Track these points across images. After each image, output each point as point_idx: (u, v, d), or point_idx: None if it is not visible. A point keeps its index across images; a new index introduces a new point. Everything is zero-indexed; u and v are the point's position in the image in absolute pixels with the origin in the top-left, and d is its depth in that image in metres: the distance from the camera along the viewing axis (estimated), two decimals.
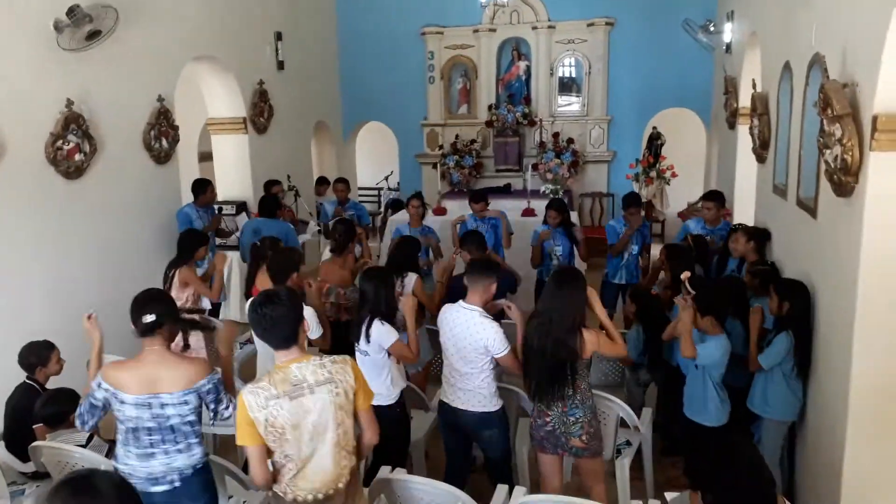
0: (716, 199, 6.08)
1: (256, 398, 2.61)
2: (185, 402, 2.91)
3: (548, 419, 3.59)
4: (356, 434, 2.83)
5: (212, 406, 3.01)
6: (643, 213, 6.66)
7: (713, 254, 5.67)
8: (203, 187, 6.80)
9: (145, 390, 2.88)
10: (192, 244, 5.30)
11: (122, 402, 2.91)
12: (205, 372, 2.96)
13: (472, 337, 3.67)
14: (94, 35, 5.32)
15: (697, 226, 6.11)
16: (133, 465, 2.96)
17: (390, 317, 3.94)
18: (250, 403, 2.61)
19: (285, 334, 2.69)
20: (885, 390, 3.25)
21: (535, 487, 4.03)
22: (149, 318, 2.90)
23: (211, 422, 3.12)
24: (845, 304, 3.34)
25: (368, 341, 3.86)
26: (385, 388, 3.91)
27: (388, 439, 3.98)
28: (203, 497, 3.06)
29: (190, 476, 3.00)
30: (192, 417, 2.96)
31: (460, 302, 3.79)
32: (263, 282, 4.62)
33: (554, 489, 3.69)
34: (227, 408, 3.02)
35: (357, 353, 3.91)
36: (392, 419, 3.90)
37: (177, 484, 2.97)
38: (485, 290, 3.75)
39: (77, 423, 3.07)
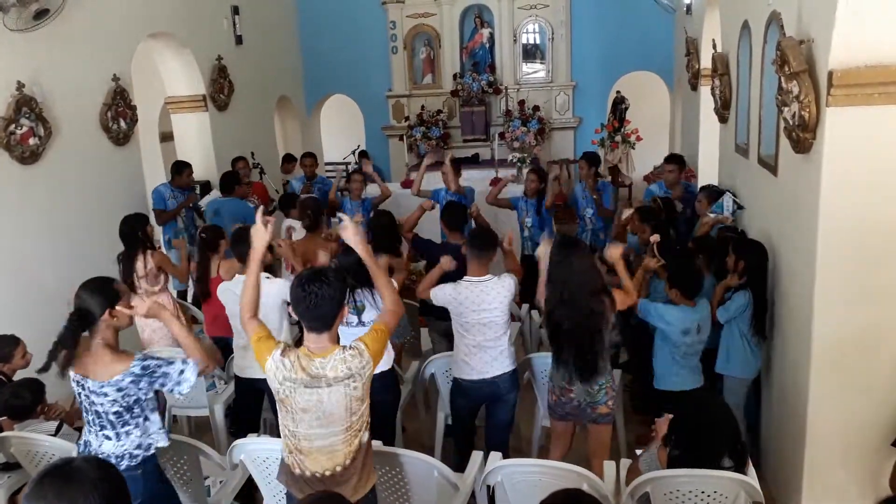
0: (677, 161, 6.15)
1: (276, 370, 2.65)
2: (105, 394, 2.80)
3: (572, 395, 3.58)
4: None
5: (159, 389, 2.89)
6: (595, 170, 6.61)
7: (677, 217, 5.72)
8: (180, 170, 6.82)
9: (79, 370, 2.84)
10: (135, 229, 5.07)
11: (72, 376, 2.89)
12: (124, 367, 2.79)
13: (500, 302, 3.72)
14: (41, 14, 5.14)
15: (660, 189, 6.17)
16: (86, 438, 2.96)
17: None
18: (270, 368, 2.67)
19: (325, 316, 2.63)
20: (846, 343, 3.34)
21: (514, 453, 4.09)
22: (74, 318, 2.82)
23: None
24: (806, 258, 3.41)
25: (379, 310, 3.82)
26: (386, 353, 3.89)
27: (381, 407, 4.02)
28: (140, 496, 2.85)
29: (123, 468, 2.83)
30: (117, 409, 2.82)
31: (466, 279, 3.77)
32: (228, 269, 4.56)
33: (563, 452, 3.75)
34: (181, 374, 2.83)
35: (348, 327, 3.84)
36: (387, 386, 3.95)
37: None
38: (489, 261, 3.81)
39: None
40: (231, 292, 4.04)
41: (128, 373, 2.79)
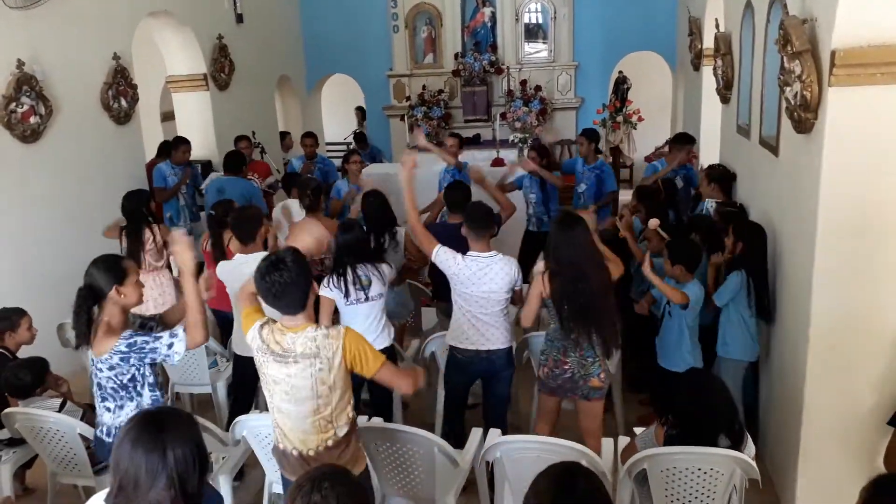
0: (688, 141, 6.11)
1: (252, 340, 2.72)
2: (100, 370, 2.90)
3: (566, 367, 3.58)
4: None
5: (152, 362, 2.93)
6: (594, 146, 6.57)
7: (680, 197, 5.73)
8: (177, 146, 6.79)
9: (92, 346, 2.90)
10: (140, 205, 5.19)
11: None
12: (112, 345, 2.83)
13: (502, 280, 3.73)
14: None
15: (662, 167, 6.17)
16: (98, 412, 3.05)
17: (381, 257, 4.04)
18: (249, 339, 2.74)
19: (293, 301, 2.61)
20: (843, 325, 3.35)
21: (513, 430, 4.13)
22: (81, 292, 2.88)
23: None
24: (806, 239, 3.41)
25: (384, 283, 3.97)
26: (386, 329, 4.05)
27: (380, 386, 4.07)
28: None
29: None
30: (113, 385, 2.90)
31: (471, 253, 3.77)
32: (236, 244, 4.57)
33: (550, 428, 3.77)
34: (170, 348, 2.85)
35: (357, 305, 3.90)
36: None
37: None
38: (490, 237, 3.83)
39: None
40: (228, 271, 4.07)
41: (115, 350, 2.82)
